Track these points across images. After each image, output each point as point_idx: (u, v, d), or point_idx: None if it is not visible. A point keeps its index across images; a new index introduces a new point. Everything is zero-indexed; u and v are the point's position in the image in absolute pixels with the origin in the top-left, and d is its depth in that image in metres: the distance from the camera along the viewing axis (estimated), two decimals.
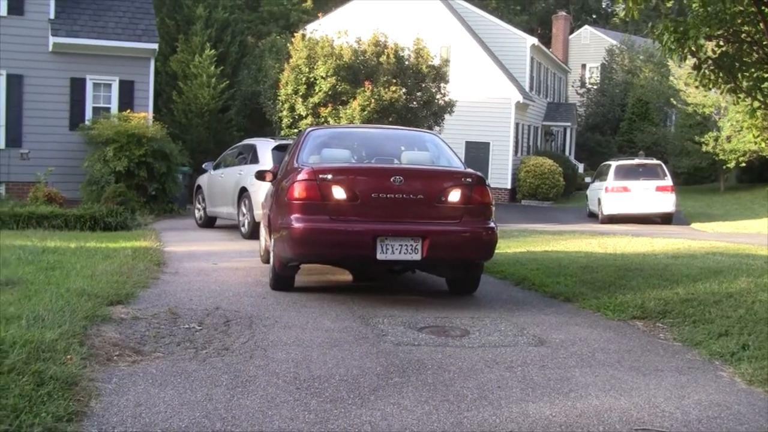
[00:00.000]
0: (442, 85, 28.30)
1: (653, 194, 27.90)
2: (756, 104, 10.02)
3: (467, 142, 38.32)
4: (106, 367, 5.78)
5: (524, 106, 39.93)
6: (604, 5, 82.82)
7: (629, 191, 27.94)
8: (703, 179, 45.45)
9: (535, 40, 42.48)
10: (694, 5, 9.45)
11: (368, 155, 10.24)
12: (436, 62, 28.40)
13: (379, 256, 8.62)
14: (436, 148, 10.52)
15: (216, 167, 19.51)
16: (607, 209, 28.10)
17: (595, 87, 58.79)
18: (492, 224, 9.18)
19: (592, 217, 29.86)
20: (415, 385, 5.71)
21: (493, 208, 9.37)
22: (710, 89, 10.25)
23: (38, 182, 21.19)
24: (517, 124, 39.31)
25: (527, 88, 41.58)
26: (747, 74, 9.89)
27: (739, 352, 6.78)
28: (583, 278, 10.77)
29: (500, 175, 38.68)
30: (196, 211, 20.40)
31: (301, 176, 8.92)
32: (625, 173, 28.81)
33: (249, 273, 10.91)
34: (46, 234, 15.02)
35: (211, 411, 4.99)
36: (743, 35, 9.56)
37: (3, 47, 23.39)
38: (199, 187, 20.31)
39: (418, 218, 8.87)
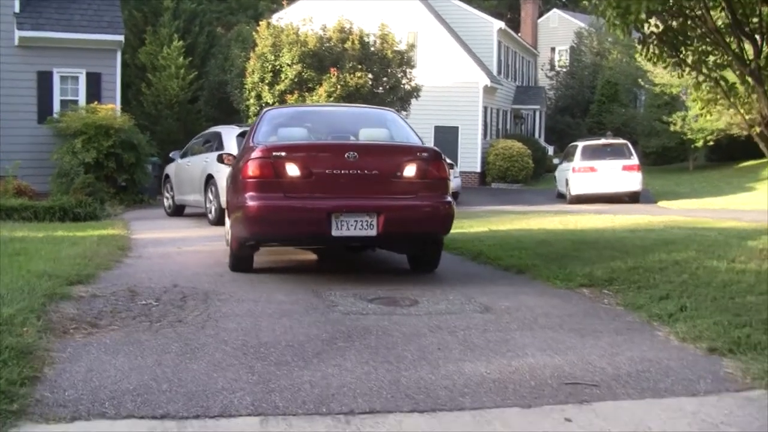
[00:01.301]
0: (407, 70, 28.49)
1: (620, 173, 28.24)
2: (701, 78, 10.28)
3: (436, 127, 38.52)
4: (61, 339, 6.01)
5: (492, 90, 40.17)
6: None
7: (596, 171, 28.26)
8: (673, 159, 45.78)
9: (501, 24, 42.71)
10: None
11: (325, 133, 10.25)
12: (402, 47, 28.55)
13: (335, 233, 8.59)
14: (394, 125, 10.47)
15: (183, 156, 19.66)
16: (575, 189, 28.41)
17: (564, 70, 59.12)
18: (448, 198, 9.17)
19: (561, 197, 30.17)
20: (359, 348, 5.96)
21: (450, 183, 9.43)
22: (655, 63, 10.47)
23: (7, 176, 21.23)
24: (485, 108, 39.54)
25: (495, 72, 41.83)
26: (692, 49, 10.16)
27: (676, 313, 7.07)
28: (538, 252, 11.08)
29: (469, 159, 38.90)
30: (165, 200, 20.55)
31: (255, 154, 8.89)
32: (591, 153, 29.14)
33: (211, 255, 11.13)
34: (16, 225, 15.19)
35: (159, 374, 5.23)
36: (687, 10, 9.79)
37: None
38: (167, 176, 20.46)
39: (373, 194, 8.83)
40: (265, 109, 11.17)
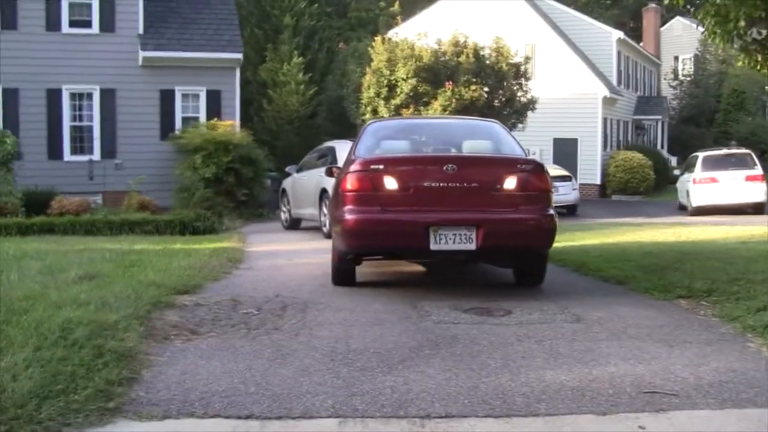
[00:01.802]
0: (523, 82, 28.45)
1: (743, 184, 27.46)
2: None
3: (555, 139, 38.41)
4: (161, 344, 6.39)
5: (612, 101, 39.76)
6: None
7: (717, 182, 27.57)
8: None
9: (620, 34, 42.21)
10: None
11: (427, 145, 10.24)
12: (517, 60, 28.50)
13: (433, 247, 8.47)
14: (498, 137, 10.24)
15: (299, 170, 20.07)
16: (696, 201, 27.81)
17: (688, 79, 57.94)
18: (550, 211, 8.89)
19: (683, 209, 29.53)
20: (444, 356, 6.13)
21: (552, 195, 9.09)
22: (759, 71, 10.36)
23: (130, 191, 22.08)
24: (605, 119, 39.16)
25: (615, 83, 41.38)
26: None
27: None
28: (641, 263, 11.03)
29: (589, 171, 38.59)
30: (282, 214, 21.02)
31: (353, 167, 8.92)
32: (713, 164, 28.49)
33: (319, 267, 11.37)
34: (137, 238, 15.85)
35: (248, 378, 5.51)
36: None
37: (96, 63, 24.61)
38: (284, 190, 20.94)
39: (472, 207, 8.65)
40: (368, 122, 11.30)
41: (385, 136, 10.25)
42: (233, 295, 8.71)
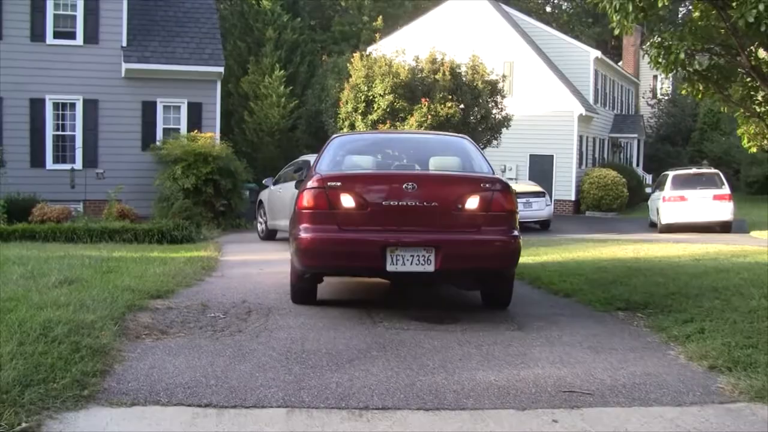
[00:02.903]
0: (498, 100, 29.11)
1: (710, 203, 28.06)
2: (748, 113, 10.83)
3: (531, 155, 39.13)
4: (133, 342, 7.04)
5: (588, 119, 40.48)
6: (680, 16, 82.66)
7: (686, 200, 28.18)
8: None
9: (598, 53, 42.97)
10: (694, 15, 10.27)
11: (391, 161, 9.98)
12: (493, 77, 29.14)
13: (389, 267, 8.21)
14: (465, 152, 9.98)
15: (276, 182, 20.61)
16: (665, 218, 28.43)
17: (666, 98, 58.86)
18: (515, 233, 8.57)
19: (653, 226, 30.13)
20: (388, 357, 6.78)
21: (517, 216, 8.79)
22: (700, 99, 11.06)
23: (111, 200, 22.55)
24: (580, 137, 39.87)
25: (591, 101, 42.13)
26: (741, 85, 10.70)
27: (693, 334, 7.70)
28: (592, 278, 11.70)
29: (564, 187, 39.32)
30: (258, 225, 21.59)
31: (310, 184, 8.63)
32: (682, 182, 29.13)
33: (288, 277, 11.91)
34: (116, 246, 16.40)
35: (209, 373, 6.15)
36: (733, 50, 10.34)
37: (79, 74, 25.15)
38: (260, 201, 21.51)
39: (431, 227, 8.38)
40: (333, 136, 10.99)
41: (348, 151, 10.07)
42: (203, 300, 9.34)
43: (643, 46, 10.18)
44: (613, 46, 64.45)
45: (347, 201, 8.41)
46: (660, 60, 9.86)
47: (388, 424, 5.20)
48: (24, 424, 4.76)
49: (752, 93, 10.62)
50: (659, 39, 9.77)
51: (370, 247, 8.32)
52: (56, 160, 25.40)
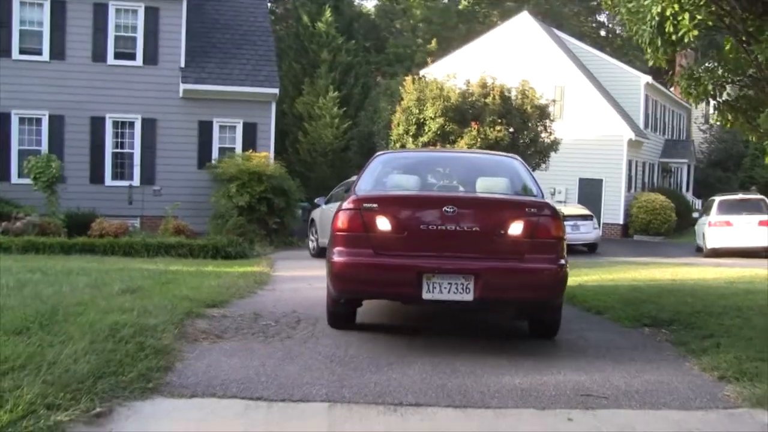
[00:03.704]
0: (547, 123, 29.58)
1: (756, 228, 28.25)
2: None
3: (580, 179, 39.48)
4: (191, 344, 7.77)
5: (637, 144, 40.76)
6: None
7: (732, 225, 28.46)
8: None
9: (649, 78, 43.25)
10: (725, 48, 10.77)
11: (436, 182, 9.47)
12: (543, 102, 29.62)
13: (425, 296, 7.80)
14: (515, 174, 9.52)
15: (327, 202, 21.32)
16: (711, 243, 28.70)
17: (718, 123, 58.59)
18: (562, 262, 8.08)
19: (699, 251, 30.38)
20: (423, 363, 7.40)
21: (564, 243, 8.24)
22: (730, 128, 11.56)
23: (167, 216, 23.45)
24: (629, 161, 40.17)
25: (642, 126, 42.41)
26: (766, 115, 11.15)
27: (710, 348, 8.25)
28: (625, 297, 12.24)
29: (613, 211, 39.62)
30: (310, 243, 22.31)
31: (346, 205, 8.26)
32: (727, 208, 29.44)
33: None
34: (172, 260, 17.23)
35: (261, 372, 6.84)
36: (760, 81, 10.80)
37: (138, 93, 26.17)
38: (312, 220, 22.24)
39: (471, 254, 7.93)
40: (377, 153, 10.56)
41: (391, 170, 9.59)
42: (255, 310, 10.06)
43: (675, 77, 10.69)
44: (667, 70, 64.53)
45: (383, 224, 7.97)
46: (690, 91, 10.38)
47: (418, 419, 5.81)
48: (98, 409, 5.44)
49: None
50: (690, 70, 10.29)
51: (405, 273, 7.86)
52: (115, 177, 26.39)
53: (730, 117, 11.04)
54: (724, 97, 10.94)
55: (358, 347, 8.02)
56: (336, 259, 8.07)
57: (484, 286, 7.78)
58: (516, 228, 7.95)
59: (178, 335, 7.90)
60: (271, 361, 7.23)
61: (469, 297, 7.82)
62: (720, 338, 8.68)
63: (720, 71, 10.25)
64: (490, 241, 7.97)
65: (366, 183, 9.07)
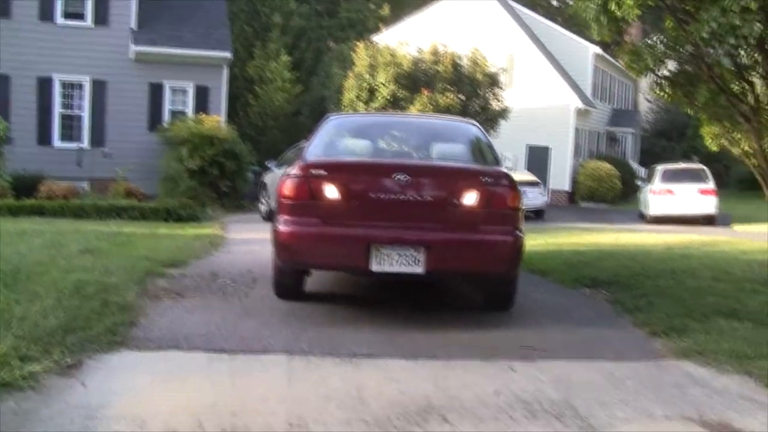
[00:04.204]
0: (497, 91, 30.06)
1: (696, 196, 29.09)
2: (710, 115, 11.84)
3: (529, 146, 39.91)
4: (153, 302, 8.11)
5: (585, 113, 41.35)
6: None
7: (673, 194, 29.16)
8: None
9: (597, 49, 43.71)
10: (666, 24, 11.23)
11: (388, 148, 9.13)
12: (493, 70, 30.08)
13: (374, 268, 7.48)
14: (473, 141, 9.25)
15: (279, 165, 21.50)
16: (653, 210, 29.40)
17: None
18: (518, 233, 7.76)
19: (642, 218, 30.99)
20: (377, 319, 7.86)
21: (520, 215, 7.92)
22: (669, 101, 12.06)
23: (118, 178, 23.55)
24: (577, 129, 40.72)
25: (590, 95, 42.95)
26: (705, 90, 11.66)
27: (644, 307, 8.81)
28: (568, 260, 12.77)
29: (560, 178, 40.22)
30: (261, 206, 22.54)
31: (293, 171, 7.92)
32: (670, 176, 30.11)
33: None
34: (124, 223, 17.43)
35: (221, 326, 7.24)
36: (697, 59, 11.29)
37: (88, 54, 26.12)
38: (264, 183, 22.45)
39: (423, 224, 7.63)
40: (329, 116, 10.08)
41: (343, 135, 9.24)
42: (213, 270, 10.41)
43: (617, 52, 11.17)
44: (616, 41, 65.17)
45: (332, 192, 7.62)
46: (633, 65, 10.86)
47: (371, 368, 6.20)
48: (69, 360, 5.77)
49: (715, 98, 11.54)
50: (632, 46, 10.75)
51: (353, 244, 7.55)
52: (64, 139, 26.39)
53: (669, 91, 11.54)
54: (665, 72, 11.42)
55: (314, 304, 8.40)
56: (281, 228, 7.71)
57: (435, 258, 7.48)
58: (471, 198, 7.64)
59: (140, 293, 8.23)
60: (231, 317, 7.60)
61: (420, 269, 7.48)
62: (654, 298, 9.22)
63: (661, 47, 10.68)
64: (443, 211, 7.67)
65: (316, 147, 8.58)
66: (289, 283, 8.55)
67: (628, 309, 8.81)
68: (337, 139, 9.02)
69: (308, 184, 7.67)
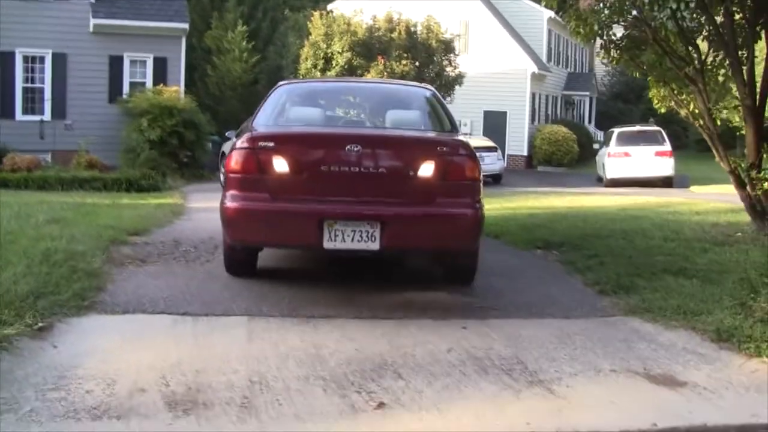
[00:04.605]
0: (452, 57, 30.34)
1: (652, 159, 29.38)
2: (656, 77, 12.19)
3: (485, 111, 40.36)
4: (119, 268, 8.38)
5: (540, 77, 41.75)
6: None
7: (630, 156, 29.42)
8: (724, 146, 46.21)
9: (551, 13, 44.03)
10: None
11: (340, 116, 8.84)
12: (447, 37, 30.35)
13: (326, 245, 7.04)
14: (429, 106, 8.90)
15: (238, 135, 21.69)
16: (610, 173, 29.74)
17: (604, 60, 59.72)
18: (477, 206, 7.37)
19: (600, 181, 31.34)
20: (335, 282, 8.21)
21: (480, 186, 7.52)
22: (616, 65, 12.39)
23: (80, 150, 23.76)
24: (533, 94, 41.18)
25: (545, 60, 43.38)
26: (653, 53, 12.02)
27: (594, 266, 9.13)
28: (521, 223, 13.13)
29: (517, 143, 40.69)
30: (221, 175, 22.56)
31: (240, 144, 7.42)
32: (626, 139, 30.44)
33: None
34: (86, 194, 17.62)
35: (185, 290, 7.52)
36: (643, 22, 11.60)
37: (49, 28, 26.09)
38: (223, 153, 22.66)
39: (377, 198, 7.17)
40: (279, 83, 9.44)
41: (293, 103, 8.73)
42: (175, 237, 10.69)
43: (564, 18, 11.45)
44: (571, 5, 65.52)
45: (280, 165, 7.11)
46: (579, 30, 11.17)
47: (329, 328, 6.50)
48: (41, 324, 6.02)
49: (661, 60, 11.87)
50: (577, 11, 11.04)
51: (304, 220, 7.10)
52: (25, 112, 26.43)
53: (615, 54, 11.88)
54: (610, 36, 11.75)
55: (274, 269, 8.68)
56: (228, 204, 7.23)
57: (391, 233, 7.02)
58: (427, 169, 7.14)
59: (105, 260, 8.48)
60: (194, 282, 7.87)
61: (375, 246, 7.04)
62: (604, 258, 9.55)
63: (606, 12, 10.98)
64: (398, 183, 7.20)
65: (264, 117, 8.16)
66: (240, 259, 8.17)
67: (579, 269, 9.14)
68: (287, 107, 8.53)
69: (256, 157, 7.13)
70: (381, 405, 4.90)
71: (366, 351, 5.89)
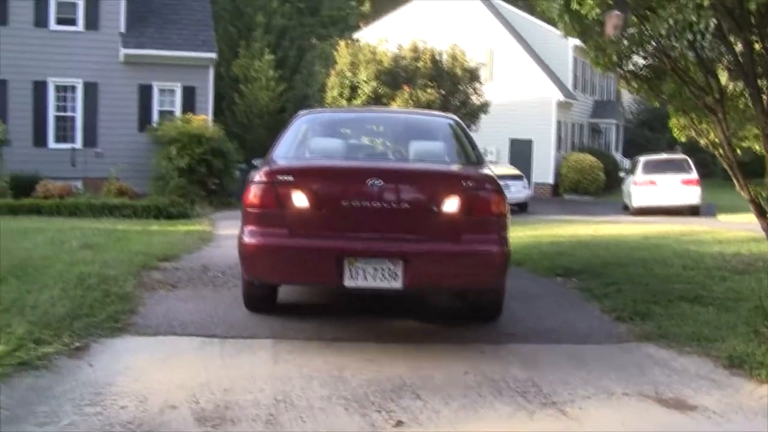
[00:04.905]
0: (477, 86, 30.59)
1: (679, 187, 29.32)
2: (676, 107, 12.37)
3: (511, 139, 40.54)
4: (150, 292, 8.73)
5: (566, 105, 41.88)
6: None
7: (656, 184, 29.39)
8: (751, 174, 46.00)
9: (577, 41, 44.15)
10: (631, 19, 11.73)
11: (362, 148, 8.63)
12: (472, 65, 30.59)
13: (347, 283, 6.76)
14: (451, 138, 8.69)
15: (256, 167, 21.97)
16: (636, 202, 29.70)
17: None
18: (503, 242, 7.15)
19: (626, 209, 31.19)
20: (356, 309, 8.43)
21: (506, 221, 7.28)
22: (637, 94, 12.58)
23: (111, 177, 24.17)
24: (559, 122, 41.25)
25: (571, 87, 43.48)
26: (672, 83, 12.17)
27: (612, 293, 9.32)
28: (544, 251, 13.32)
29: (543, 171, 40.79)
30: None
31: (258, 177, 7.18)
32: (652, 167, 30.37)
33: None
34: (117, 220, 18.03)
35: (213, 314, 7.83)
36: (661, 52, 11.77)
37: (80, 58, 26.78)
38: None
39: (399, 235, 6.89)
40: (300, 112, 9.37)
41: (314, 133, 8.58)
42: (204, 263, 11.02)
43: (585, 47, 11.67)
44: (598, 32, 65.56)
45: (300, 200, 6.86)
46: (598, 61, 11.37)
47: (351, 351, 6.76)
48: (77, 344, 6.35)
49: (680, 90, 12.00)
50: (596, 42, 11.25)
51: (324, 257, 6.82)
52: (58, 140, 27.01)
53: (635, 84, 12.07)
54: (630, 66, 11.95)
55: (299, 296, 8.94)
56: (246, 240, 7.03)
57: (414, 271, 6.74)
58: (452, 204, 6.87)
59: (137, 284, 8.87)
60: (222, 306, 8.18)
61: (397, 284, 6.75)
62: (622, 285, 9.73)
63: (625, 42, 11.17)
64: (422, 219, 6.92)
65: (284, 149, 8.05)
66: (259, 295, 7.95)
67: (597, 296, 9.35)
68: (307, 138, 8.39)
69: (274, 191, 6.90)
70: (399, 423, 5.15)
71: (386, 372, 6.14)
